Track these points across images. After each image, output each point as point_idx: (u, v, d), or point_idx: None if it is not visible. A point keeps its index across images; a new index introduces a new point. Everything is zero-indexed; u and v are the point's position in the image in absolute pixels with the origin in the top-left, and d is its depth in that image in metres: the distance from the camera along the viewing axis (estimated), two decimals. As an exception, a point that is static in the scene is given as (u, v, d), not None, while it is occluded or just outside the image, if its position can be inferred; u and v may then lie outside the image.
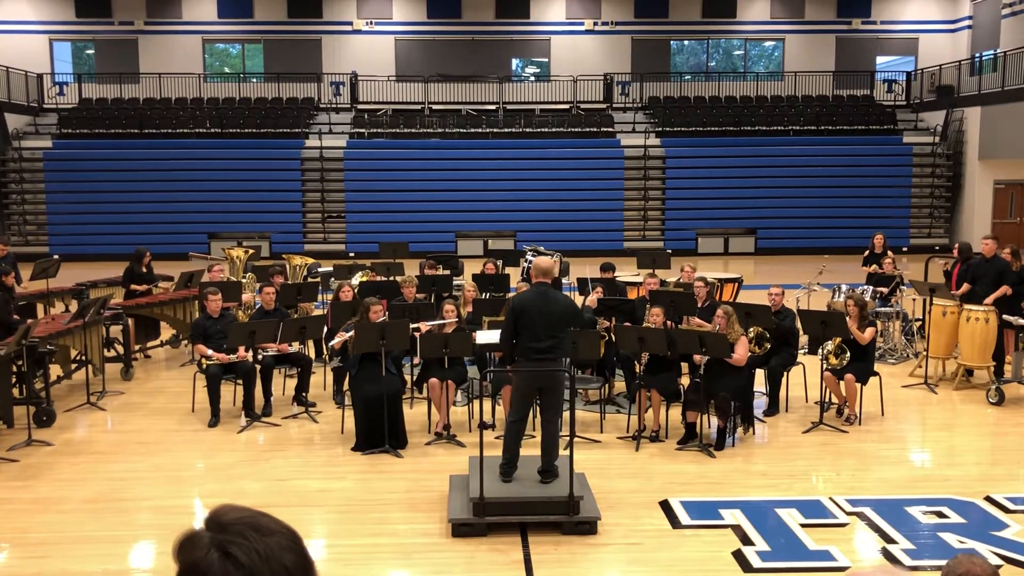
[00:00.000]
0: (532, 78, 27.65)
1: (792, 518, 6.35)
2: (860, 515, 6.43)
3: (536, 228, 22.74)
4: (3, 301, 9.69)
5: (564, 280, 13.30)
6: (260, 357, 8.95)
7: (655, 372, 8.20)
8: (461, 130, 25.05)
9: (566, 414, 7.13)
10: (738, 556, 5.75)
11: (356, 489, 6.98)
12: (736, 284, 13.12)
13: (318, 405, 9.23)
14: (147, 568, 5.83)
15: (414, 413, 8.80)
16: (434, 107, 25.90)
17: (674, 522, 6.30)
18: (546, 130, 25.10)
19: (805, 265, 17.35)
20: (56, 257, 13.90)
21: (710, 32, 27.71)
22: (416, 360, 9.03)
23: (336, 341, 8.39)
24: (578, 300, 11.33)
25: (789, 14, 27.33)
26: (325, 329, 9.74)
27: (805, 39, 27.42)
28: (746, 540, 5.99)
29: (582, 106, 26.09)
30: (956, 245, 11.74)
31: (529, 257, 13.36)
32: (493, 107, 25.86)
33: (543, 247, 14.76)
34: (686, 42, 28.26)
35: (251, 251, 14.02)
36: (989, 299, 10.08)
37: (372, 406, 7.71)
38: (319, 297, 11.92)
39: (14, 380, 8.57)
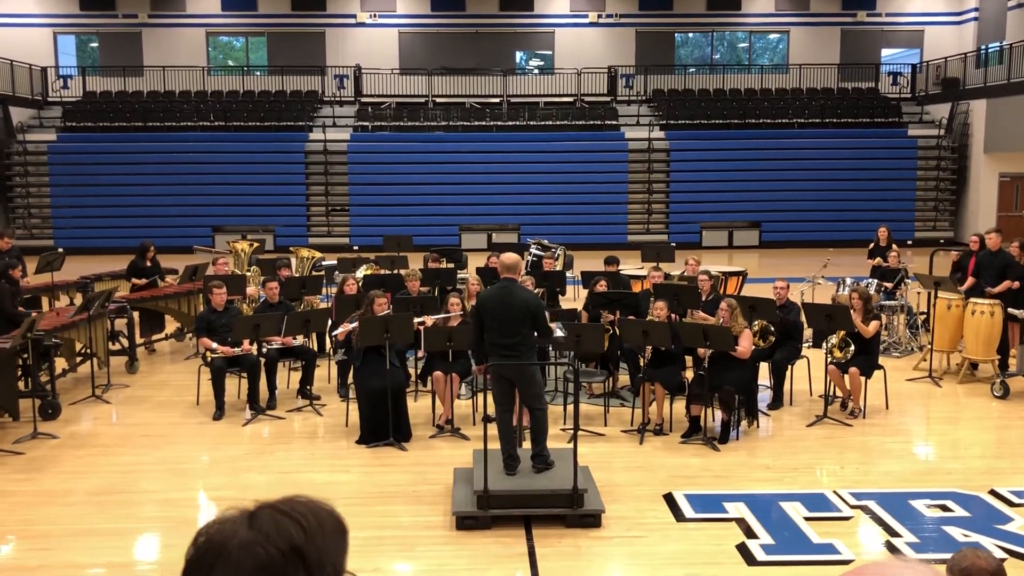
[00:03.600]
0: (536, 71, 27.59)
1: (796, 511, 6.35)
2: (864, 508, 6.42)
3: (540, 221, 22.73)
4: (9, 294, 9.70)
5: (568, 273, 13.28)
6: (264, 350, 8.96)
7: (659, 365, 8.20)
8: (465, 123, 25.02)
9: (570, 407, 7.13)
10: (742, 549, 5.76)
11: (360, 482, 7.01)
12: (740, 277, 13.10)
13: (322, 398, 9.24)
14: (152, 560, 5.85)
15: (418, 406, 8.81)
16: (438, 100, 25.87)
17: (678, 515, 6.31)
18: (550, 123, 25.07)
19: (809, 258, 17.30)
20: (61, 250, 13.92)
21: (714, 25, 27.62)
22: (420, 353, 9.04)
23: (340, 331, 8.40)
24: (582, 294, 11.34)
25: (794, 6, 27.24)
26: (329, 322, 9.75)
27: (810, 31, 27.33)
28: (750, 533, 5.99)
29: (586, 99, 26.04)
30: (973, 237, 11.57)
31: (533, 250, 13.34)
32: (497, 100, 25.82)
33: (547, 240, 14.74)
34: (690, 35, 28.18)
35: (255, 244, 14.01)
36: (993, 291, 10.04)
37: (376, 399, 7.72)
38: (323, 290, 11.92)
39: (19, 373, 8.59)
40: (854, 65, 26.92)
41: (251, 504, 1.34)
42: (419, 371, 9.01)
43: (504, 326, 6.43)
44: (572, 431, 6.53)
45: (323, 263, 13.44)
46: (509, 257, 6.74)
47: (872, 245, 12.84)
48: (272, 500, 1.35)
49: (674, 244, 17.77)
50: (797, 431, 8.29)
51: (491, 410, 8.31)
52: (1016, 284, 10.18)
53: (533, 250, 13.32)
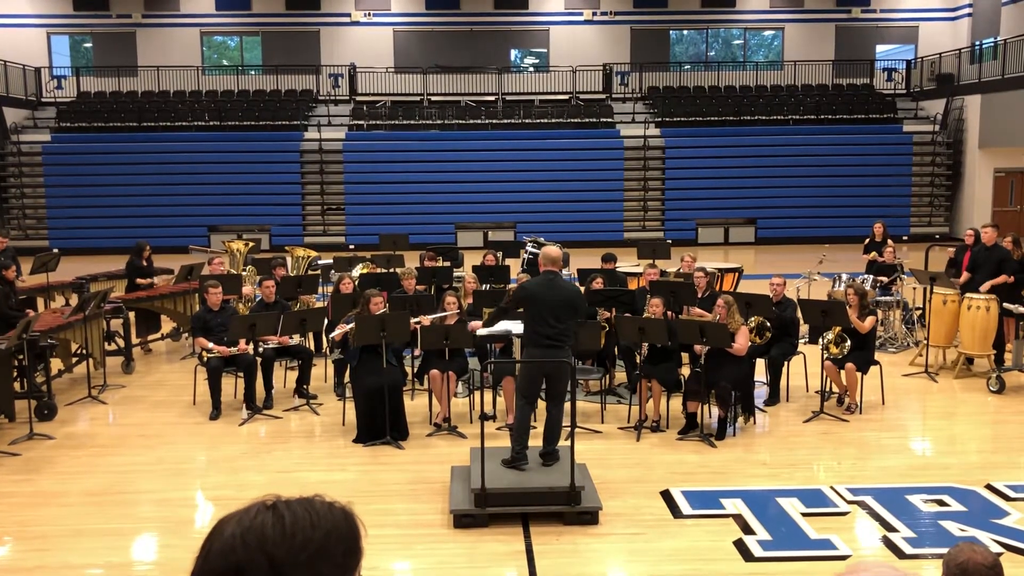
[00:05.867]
0: (531, 69, 27.58)
1: (793, 507, 6.36)
2: (861, 504, 6.44)
3: (536, 219, 22.69)
4: (4, 295, 9.69)
5: (565, 271, 13.27)
6: (261, 350, 8.95)
7: (656, 362, 8.20)
8: (460, 121, 25.00)
9: (567, 404, 7.15)
10: (739, 545, 5.77)
11: (358, 480, 7.01)
12: (736, 274, 13.11)
13: (319, 397, 9.24)
14: (150, 560, 5.85)
15: (415, 405, 8.81)
16: (433, 98, 25.85)
17: (675, 512, 6.32)
18: (545, 121, 25.05)
19: (805, 254, 17.34)
20: (56, 251, 13.90)
21: (709, 21, 27.62)
22: (417, 351, 9.04)
23: (336, 332, 8.40)
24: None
25: (788, 3, 27.24)
26: (326, 321, 9.74)
27: (805, 28, 27.34)
28: (747, 529, 6.00)
29: (581, 96, 26.03)
30: (968, 231, 11.55)
31: (529, 248, 13.34)
32: (492, 98, 25.80)
33: (543, 238, 14.73)
34: (685, 32, 28.19)
35: (251, 244, 13.99)
36: (985, 286, 10.05)
37: (373, 398, 7.72)
38: (319, 289, 11.91)
39: (15, 374, 8.58)
40: (849, 61, 26.95)
41: (271, 498, 1.36)
42: (416, 370, 9.01)
43: (550, 316, 6.59)
44: (569, 428, 6.54)
45: (319, 262, 13.43)
46: (552, 250, 7.02)
47: (868, 241, 12.85)
48: (289, 497, 1.36)
49: (670, 241, 17.79)
50: (794, 427, 8.30)
51: (487, 408, 8.32)
52: (1011, 279, 10.19)
53: (529, 248, 13.33)
